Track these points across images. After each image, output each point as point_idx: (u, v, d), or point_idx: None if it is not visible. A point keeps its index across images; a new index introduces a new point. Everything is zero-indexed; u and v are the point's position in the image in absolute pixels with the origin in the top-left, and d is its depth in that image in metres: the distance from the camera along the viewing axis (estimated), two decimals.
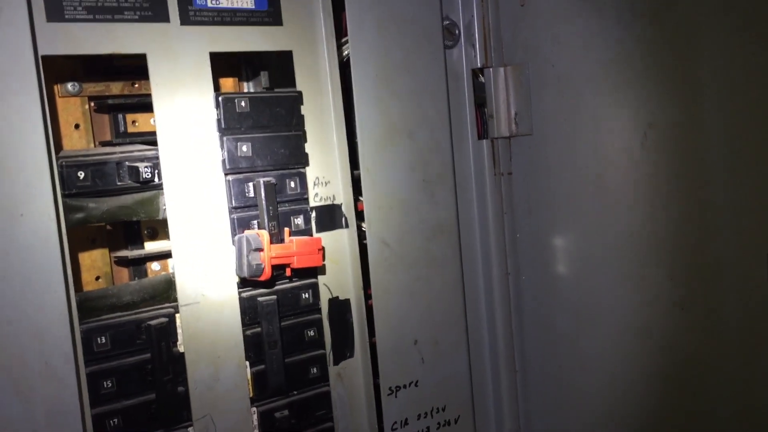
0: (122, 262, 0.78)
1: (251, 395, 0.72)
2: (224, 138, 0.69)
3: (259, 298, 0.72)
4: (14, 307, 0.59)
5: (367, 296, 0.78)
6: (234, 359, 0.70)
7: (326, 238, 0.75)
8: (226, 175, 0.69)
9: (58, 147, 0.72)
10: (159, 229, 0.80)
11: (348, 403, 0.78)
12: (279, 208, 0.71)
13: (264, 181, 0.70)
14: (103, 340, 0.64)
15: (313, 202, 0.75)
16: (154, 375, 0.66)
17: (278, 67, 0.80)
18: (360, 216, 0.78)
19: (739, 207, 0.71)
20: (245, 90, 0.85)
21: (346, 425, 0.78)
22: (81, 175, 0.64)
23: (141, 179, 0.66)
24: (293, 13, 0.72)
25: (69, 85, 0.72)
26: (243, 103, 0.70)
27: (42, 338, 0.60)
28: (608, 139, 0.78)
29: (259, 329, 0.72)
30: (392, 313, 0.79)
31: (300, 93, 0.73)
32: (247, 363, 0.71)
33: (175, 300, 0.67)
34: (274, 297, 0.72)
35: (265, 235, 0.68)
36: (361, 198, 0.77)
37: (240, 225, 0.70)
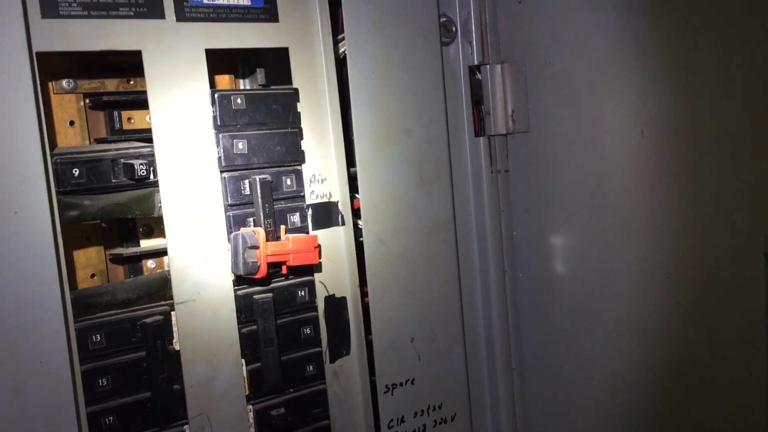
0: (117, 259, 0.78)
1: (247, 393, 0.71)
2: (220, 135, 0.69)
3: (255, 296, 0.71)
4: (8, 305, 0.58)
5: (364, 294, 0.78)
6: (230, 357, 0.70)
7: (322, 235, 0.75)
8: (221, 172, 0.69)
9: (53, 144, 0.71)
10: (154, 226, 0.80)
11: (344, 400, 0.78)
12: (275, 206, 0.71)
13: (260, 179, 0.70)
14: (98, 338, 0.64)
15: (310, 200, 0.74)
16: (149, 373, 0.66)
17: (274, 64, 0.80)
18: (356, 213, 0.77)
19: (737, 204, 0.71)
20: (241, 87, 0.84)
21: (342, 423, 0.78)
22: (76, 172, 0.63)
23: (136, 176, 0.66)
24: (289, 10, 0.72)
25: (64, 82, 0.72)
26: (239, 100, 0.69)
27: (37, 336, 0.59)
28: (606, 136, 0.78)
29: (255, 327, 0.71)
30: (388, 311, 0.79)
31: (296, 90, 0.73)
32: (243, 361, 0.71)
33: (171, 298, 0.67)
34: (270, 295, 0.72)
35: (261, 232, 0.68)
36: (357, 195, 0.77)
37: (236, 222, 0.70)
